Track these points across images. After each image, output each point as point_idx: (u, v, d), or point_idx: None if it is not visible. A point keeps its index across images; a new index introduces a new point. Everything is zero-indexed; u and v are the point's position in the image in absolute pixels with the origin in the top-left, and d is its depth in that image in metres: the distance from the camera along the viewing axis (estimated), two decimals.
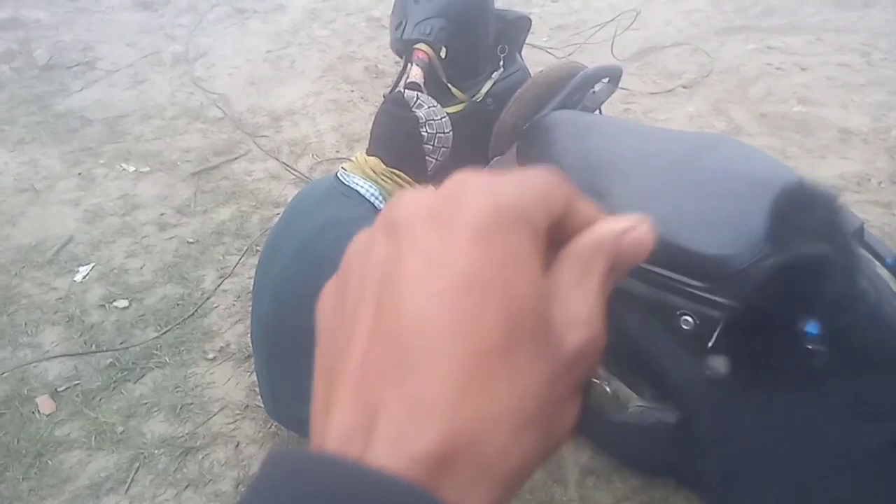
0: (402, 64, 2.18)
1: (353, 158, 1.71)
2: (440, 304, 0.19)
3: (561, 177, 0.23)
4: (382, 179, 1.61)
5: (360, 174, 1.62)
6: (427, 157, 1.63)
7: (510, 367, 0.18)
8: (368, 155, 1.66)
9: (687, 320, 1.47)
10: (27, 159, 3.43)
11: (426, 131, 1.60)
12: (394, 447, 0.17)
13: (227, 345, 2.39)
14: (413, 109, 1.61)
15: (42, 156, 3.46)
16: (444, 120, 1.66)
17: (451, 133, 1.68)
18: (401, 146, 1.63)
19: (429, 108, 1.63)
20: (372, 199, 1.60)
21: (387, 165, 1.62)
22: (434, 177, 1.72)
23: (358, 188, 1.60)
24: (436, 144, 1.63)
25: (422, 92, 2.03)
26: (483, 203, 0.20)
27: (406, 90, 1.72)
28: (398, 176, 1.62)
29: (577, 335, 0.20)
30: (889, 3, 4.35)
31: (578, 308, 0.21)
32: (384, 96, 2.25)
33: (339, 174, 1.66)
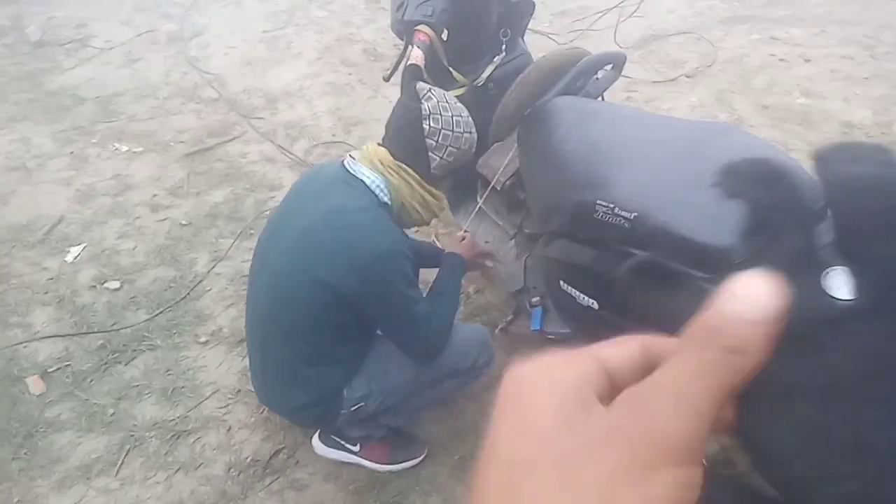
0: (402, 46, 2.14)
1: (361, 147, 1.66)
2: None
3: (592, 351, 0.26)
4: (389, 172, 1.56)
5: (368, 164, 1.57)
6: (430, 154, 1.55)
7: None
8: (379, 145, 1.62)
9: None
10: (18, 137, 3.37)
11: (429, 125, 1.53)
12: None
13: (220, 328, 2.36)
14: (421, 101, 1.54)
15: (33, 134, 3.40)
16: (455, 118, 1.56)
17: (466, 134, 1.58)
18: (402, 136, 1.57)
19: (438, 102, 1.54)
20: (377, 191, 1.55)
21: (394, 158, 1.57)
22: (442, 178, 1.64)
23: (364, 178, 1.56)
24: (440, 141, 1.54)
25: (422, 75, 1.99)
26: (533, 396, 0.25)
27: (419, 81, 1.65)
28: (405, 171, 1.56)
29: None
30: None
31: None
32: (384, 79, 2.22)
33: (346, 162, 1.61)
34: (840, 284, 0.22)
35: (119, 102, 3.69)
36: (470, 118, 1.61)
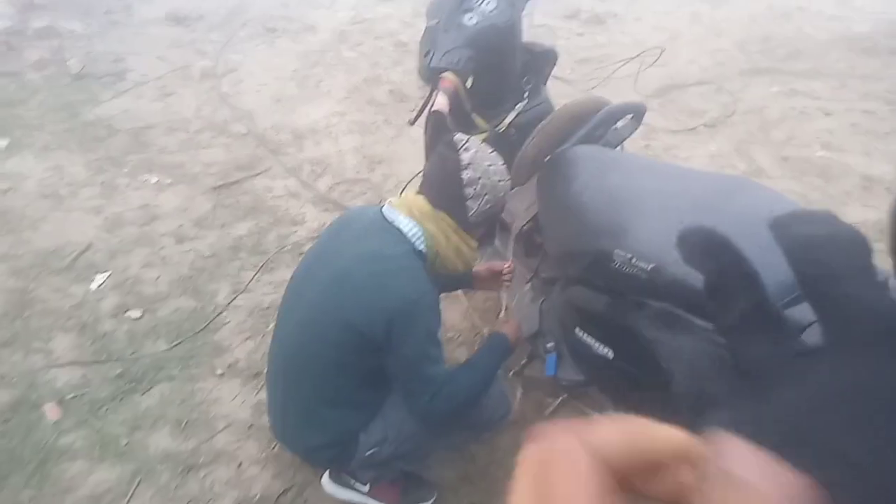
0: (427, 91, 2.20)
1: (401, 194, 1.68)
2: None
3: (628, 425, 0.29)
4: (426, 221, 1.58)
5: (406, 212, 1.59)
6: (468, 202, 1.56)
7: None
8: (417, 193, 1.63)
9: None
10: (53, 165, 3.49)
11: (468, 174, 1.54)
12: None
13: (237, 361, 2.38)
14: (459, 151, 1.56)
15: (68, 163, 3.52)
16: (493, 168, 1.58)
17: (502, 182, 1.59)
18: (442, 186, 1.58)
19: (476, 152, 1.56)
20: (413, 239, 1.57)
21: (432, 207, 1.58)
22: (479, 225, 1.65)
23: (401, 226, 1.57)
24: (478, 190, 1.55)
25: (446, 121, 2.03)
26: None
27: (458, 133, 1.68)
28: (442, 219, 1.58)
29: None
30: None
31: None
32: (409, 122, 2.27)
33: (384, 208, 1.63)
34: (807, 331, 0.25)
35: (151, 135, 3.81)
36: (504, 166, 1.63)
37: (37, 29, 4.98)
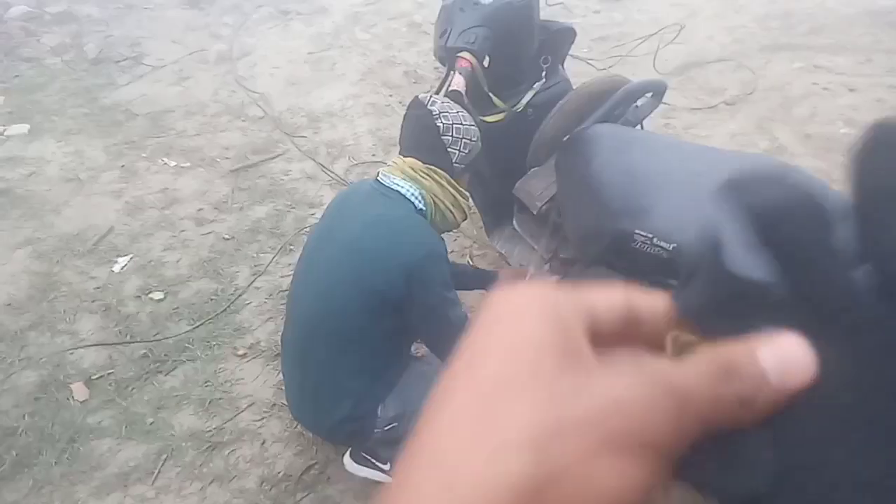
0: (444, 71, 2.18)
1: (390, 163, 1.78)
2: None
3: (610, 285, 0.26)
4: (422, 176, 1.69)
5: (400, 174, 1.70)
6: (449, 149, 1.70)
7: (502, 401, 0.23)
8: (404, 157, 1.74)
9: None
10: (73, 150, 3.53)
11: (441, 122, 1.68)
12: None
13: (258, 342, 2.41)
14: (427, 107, 1.70)
15: (88, 147, 3.56)
16: (461, 114, 1.72)
17: (472, 127, 1.74)
18: (422, 140, 1.71)
19: (442, 103, 1.72)
20: (413, 199, 1.68)
21: (423, 163, 1.70)
22: (465, 171, 1.78)
23: (399, 188, 1.68)
24: (454, 135, 1.69)
25: (464, 101, 2.03)
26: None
27: (420, 93, 1.80)
28: (434, 171, 1.70)
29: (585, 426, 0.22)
30: None
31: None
32: None
33: (379, 176, 1.74)
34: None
35: (169, 118, 3.83)
36: (467, 112, 1.78)
37: (54, 14, 5.00)
